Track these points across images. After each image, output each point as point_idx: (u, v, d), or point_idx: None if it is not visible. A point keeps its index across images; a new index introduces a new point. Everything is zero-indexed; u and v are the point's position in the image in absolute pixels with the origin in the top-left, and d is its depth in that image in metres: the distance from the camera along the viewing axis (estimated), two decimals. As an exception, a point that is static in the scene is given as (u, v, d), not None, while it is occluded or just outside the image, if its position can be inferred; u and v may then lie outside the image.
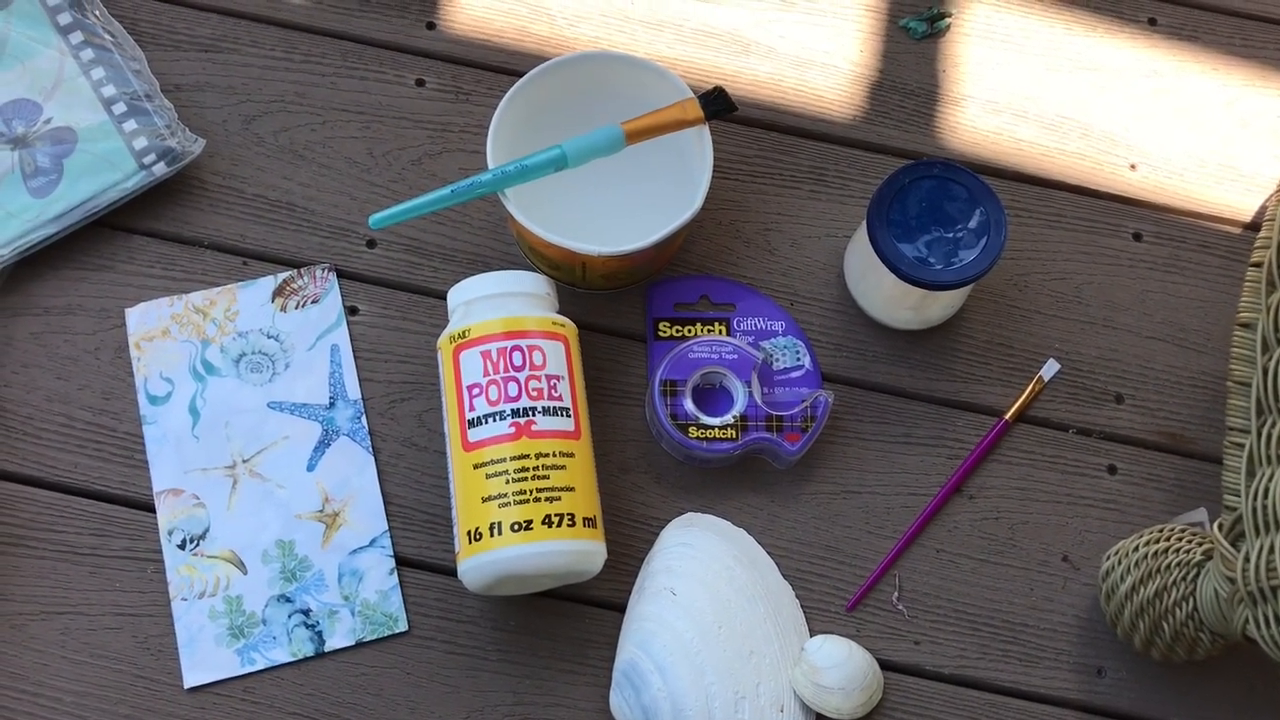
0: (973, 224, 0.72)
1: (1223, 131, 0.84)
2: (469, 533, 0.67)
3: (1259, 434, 0.63)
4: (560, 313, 0.74)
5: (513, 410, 0.68)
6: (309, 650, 0.71)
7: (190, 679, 0.70)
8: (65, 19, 0.80)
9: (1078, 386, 0.78)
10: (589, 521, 0.68)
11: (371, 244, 0.79)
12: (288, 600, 0.71)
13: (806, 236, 0.80)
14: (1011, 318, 0.79)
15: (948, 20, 0.85)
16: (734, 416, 0.74)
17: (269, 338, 0.76)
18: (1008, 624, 0.73)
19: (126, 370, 0.75)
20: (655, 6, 0.84)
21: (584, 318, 0.78)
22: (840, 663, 0.69)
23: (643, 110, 0.75)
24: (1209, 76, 0.85)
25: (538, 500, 0.66)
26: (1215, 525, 0.64)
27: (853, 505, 0.75)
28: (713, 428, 0.73)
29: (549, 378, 0.69)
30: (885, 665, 0.73)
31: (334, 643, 0.71)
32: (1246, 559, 0.61)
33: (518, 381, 0.68)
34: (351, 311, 0.77)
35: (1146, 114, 0.84)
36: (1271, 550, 0.60)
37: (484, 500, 0.67)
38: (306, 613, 0.71)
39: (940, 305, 0.76)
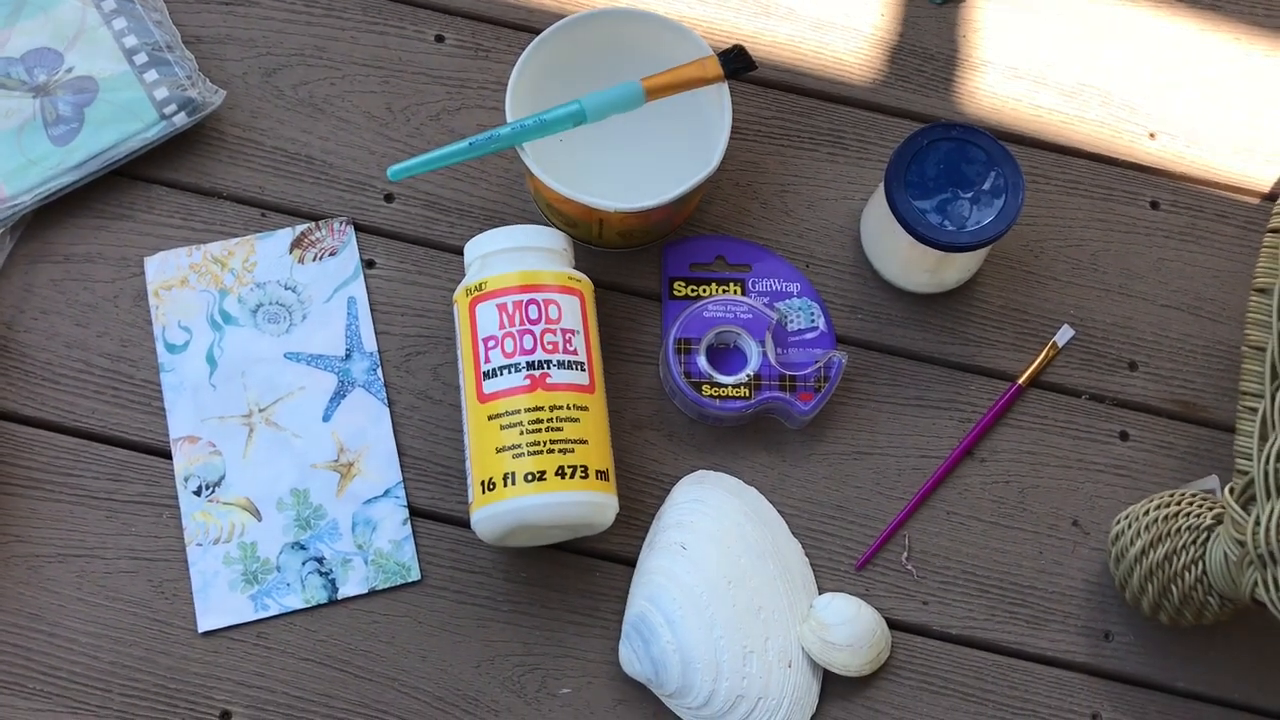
0: (990, 187, 0.72)
1: (1243, 102, 0.84)
2: (483, 483, 0.68)
3: (1273, 398, 0.63)
4: (576, 269, 0.74)
5: (528, 363, 0.68)
6: (322, 597, 0.71)
7: (204, 623, 0.71)
8: (88, -31, 0.80)
9: (1092, 353, 0.78)
10: (602, 474, 0.68)
11: (389, 198, 0.79)
12: (302, 548, 0.72)
13: (823, 199, 0.80)
14: (1027, 283, 0.79)
15: (969, -15, 0.85)
16: (747, 375, 0.74)
17: (286, 289, 0.77)
18: (1016, 586, 0.74)
19: (145, 318, 0.76)
20: (676, -34, 0.84)
21: (600, 276, 0.78)
22: (848, 620, 0.70)
23: (662, 68, 0.75)
24: (1231, 46, 0.85)
25: (551, 452, 0.67)
26: (1226, 489, 0.64)
27: (864, 466, 0.75)
28: (726, 386, 0.73)
29: (564, 331, 0.69)
30: (893, 624, 0.73)
31: (347, 590, 0.72)
32: (1257, 522, 0.61)
33: (533, 335, 0.69)
34: (369, 264, 0.78)
35: (1167, 83, 0.84)
36: (1282, 512, 0.60)
37: (498, 451, 0.67)
38: (320, 560, 0.72)
39: (956, 268, 0.76)
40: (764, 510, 0.74)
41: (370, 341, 0.76)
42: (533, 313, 0.69)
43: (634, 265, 0.79)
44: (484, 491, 0.68)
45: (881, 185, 0.74)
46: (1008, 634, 0.73)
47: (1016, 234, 0.80)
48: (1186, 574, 0.67)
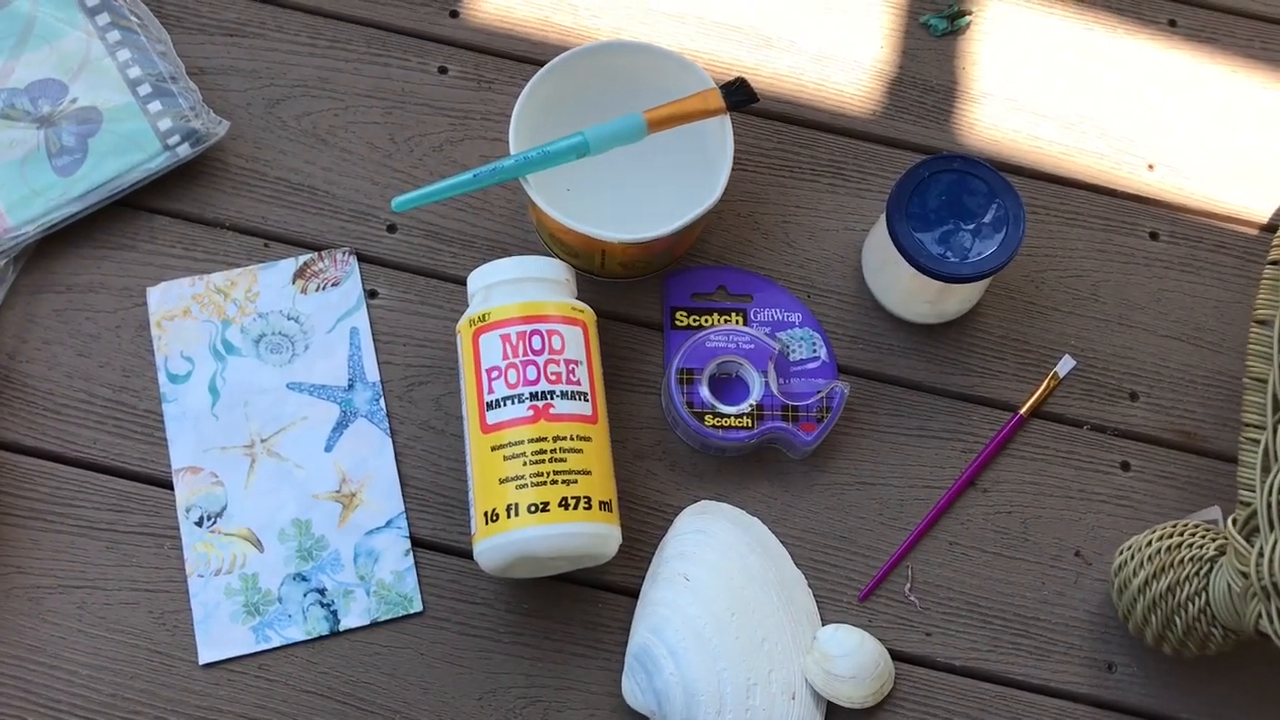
0: (991, 218, 0.73)
1: (1241, 133, 0.84)
2: (486, 514, 0.67)
3: (1275, 430, 0.63)
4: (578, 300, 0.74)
5: (531, 393, 0.68)
6: (324, 629, 0.71)
7: (205, 655, 0.71)
8: (92, 1, 0.81)
9: (1093, 383, 0.78)
10: (605, 505, 0.68)
11: (392, 228, 0.79)
12: (303, 579, 0.72)
13: (824, 229, 0.81)
14: (1028, 314, 0.80)
15: (968, 18, 0.86)
16: (750, 405, 0.74)
17: (289, 319, 0.77)
18: (1019, 617, 0.74)
19: (147, 349, 0.76)
20: (678, -1, 0.85)
21: (602, 306, 0.78)
22: (851, 651, 0.70)
23: (664, 100, 0.75)
24: (1228, 78, 0.85)
25: (555, 483, 0.67)
26: (1229, 520, 0.64)
27: (866, 496, 0.75)
28: (728, 416, 0.74)
29: (567, 362, 0.69)
30: (896, 656, 0.73)
31: (349, 622, 0.71)
32: (1260, 554, 0.61)
33: (537, 365, 0.69)
34: (371, 295, 0.78)
35: (1165, 115, 0.84)
36: (1286, 544, 0.60)
37: (501, 482, 0.67)
38: (322, 592, 0.72)
39: (957, 299, 0.76)
40: (767, 541, 0.74)
41: (373, 372, 0.76)
42: (536, 343, 0.69)
43: (636, 295, 0.79)
44: (487, 522, 0.68)
45: (883, 216, 0.75)
46: (1011, 665, 0.73)
47: (1017, 264, 0.80)
48: (1190, 605, 0.67)
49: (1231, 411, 0.78)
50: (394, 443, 0.75)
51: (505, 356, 0.69)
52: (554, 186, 0.77)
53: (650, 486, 0.75)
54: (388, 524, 0.73)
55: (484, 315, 0.70)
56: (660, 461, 0.76)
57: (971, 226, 0.72)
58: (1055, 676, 0.73)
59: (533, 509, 0.66)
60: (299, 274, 0.78)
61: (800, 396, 0.75)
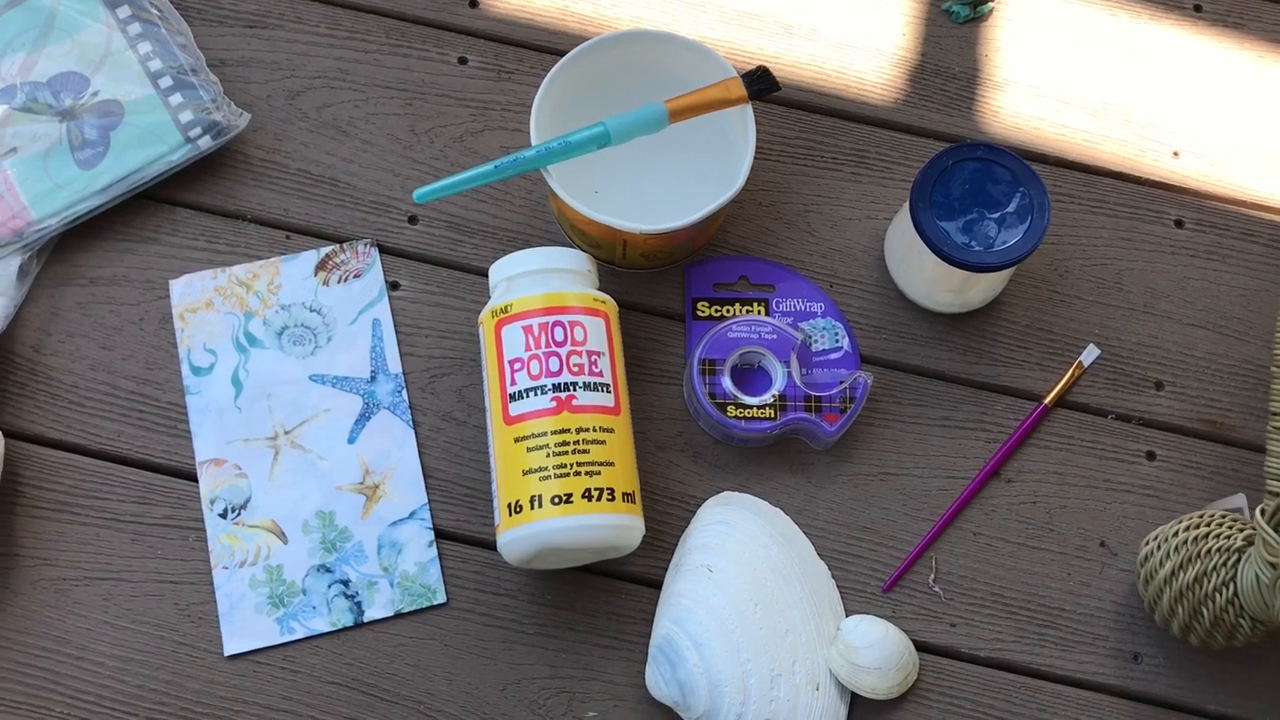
0: (1015, 207, 0.72)
1: (1267, 120, 0.84)
2: (509, 505, 0.68)
3: (1304, 419, 0.62)
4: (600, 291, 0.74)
5: (554, 385, 0.68)
6: (348, 620, 0.71)
7: (230, 646, 0.71)
8: (113, -7, 0.81)
9: (1118, 372, 0.78)
10: (628, 496, 0.68)
11: (413, 220, 0.79)
12: (327, 570, 0.72)
13: (847, 218, 0.80)
14: (1052, 302, 0.79)
15: (991, 4, 0.85)
16: (772, 396, 0.74)
17: (311, 311, 0.77)
18: (1044, 608, 0.73)
19: (170, 341, 0.76)
20: (698, -13, 0.85)
21: (623, 297, 0.78)
22: (876, 642, 0.70)
23: (685, 89, 0.75)
24: (1254, 64, 0.85)
25: (578, 474, 0.67)
26: (1258, 510, 0.64)
27: (890, 487, 0.75)
28: (751, 407, 0.73)
29: (590, 353, 0.69)
30: (921, 647, 0.73)
31: (373, 613, 0.71)
32: (1289, 544, 0.61)
33: (559, 356, 0.69)
34: (393, 286, 0.78)
35: (1190, 101, 0.84)
36: (1315, 535, 0.60)
37: (524, 473, 0.67)
38: (346, 583, 0.72)
39: (981, 288, 0.76)
40: (790, 532, 0.74)
41: (395, 363, 0.76)
42: (558, 335, 0.69)
43: (657, 286, 0.79)
44: (510, 514, 0.68)
45: (906, 205, 0.74)
46: (1036, 656, 0.73)
47: (1041, 253, 0.80)
48: (1217, 596, 0.66)
49: (1258, 400, 0.78)
50: (417, 434, 0.75)
51: (528, 348, 0.69)
52: (582, 187, 0.77)
53: (672, 477, 0.75)
54: (411, 515, 0.73)
55: (506, 307, 0.70)
56: (682, 453, 0.75)
57: (996, 215, 0.72)
58: (1081, 667, 0.73)
59: (556, 500, 0.66)
60: (321, 266, 0.78)
61: (823, 387, 0.75)
